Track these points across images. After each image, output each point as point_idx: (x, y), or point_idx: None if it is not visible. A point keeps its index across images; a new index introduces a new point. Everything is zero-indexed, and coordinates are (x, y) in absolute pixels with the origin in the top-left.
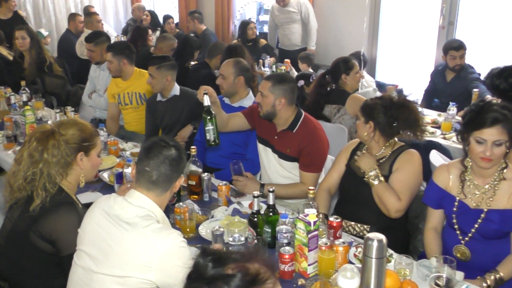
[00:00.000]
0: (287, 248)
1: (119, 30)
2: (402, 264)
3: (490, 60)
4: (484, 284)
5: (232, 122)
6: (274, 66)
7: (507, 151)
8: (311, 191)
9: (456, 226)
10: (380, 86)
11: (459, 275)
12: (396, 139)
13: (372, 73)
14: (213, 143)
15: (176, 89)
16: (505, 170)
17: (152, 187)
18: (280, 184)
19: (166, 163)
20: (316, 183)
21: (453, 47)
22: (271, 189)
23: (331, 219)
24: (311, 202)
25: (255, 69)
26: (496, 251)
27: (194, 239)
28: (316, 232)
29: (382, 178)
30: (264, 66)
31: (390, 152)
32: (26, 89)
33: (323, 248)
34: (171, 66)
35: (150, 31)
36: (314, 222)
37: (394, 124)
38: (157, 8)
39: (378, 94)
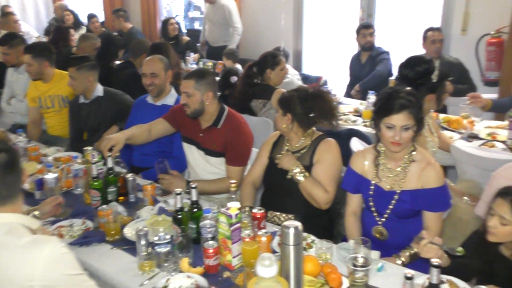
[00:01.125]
0: (210, 242)
1: (41, 30)
2: (323, 249)
3: (408, 50)
4: (399, 261)
5: (155, 131)
6: (201, 63)
7: (415, 135)
8: (233, 185)
9: (373, 209)
10: (306, 78)
11: (375, 254)
12: (314, 129)
13: (298, 66)
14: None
15: (99, 90)
16: (414, 153)
17: (1, 201)
18: (207, 180)
19: (0, 171)
20: (242, 176)
21: (363, 26)
22: (193, 185)
23: (254, 210)
24: (233, 196)
25: (181, 67)
26: (410, 229)
27: (119, 241)
28: (238, 225)
29: (307, 174)
30: (190, 63)
31: (310, 142)
32: None
33: (246, 239)
34: (92, 66)
35: (72, 31)
36: (236, 215)
37: (311, 115)
38: (82, 7)
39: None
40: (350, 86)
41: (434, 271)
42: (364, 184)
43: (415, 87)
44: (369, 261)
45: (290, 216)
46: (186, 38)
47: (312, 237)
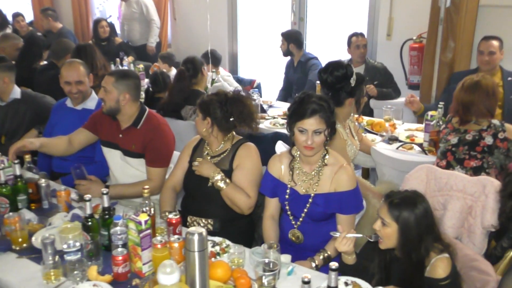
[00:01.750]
0: (119, 249)
1: None
2: (235, 254)
3: (336, 55)
4: (313, 264)
5: (77, 141)
6: (132, 65)
7: (326, 139)
8: (145, 191)
9: (289, 212)
10: (240, 81)
11: (286, 257)
12: (234, 133)
13: (234, 69)
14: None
15: (16, 92)
16: (327, 157)
17: None
18: (125, 184)
19: None
20: (163, 178)
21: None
22: (105, 191)
23: (170, 216)
24: (146, 201)
25: (108, 68)
26: (325, 232)
27: (26, 250)
28: (148, 231)
29: (228, 180)
30: (122, 65)
31: (229, 147)
32: None
33: (158, 246)
34: (8, 68)
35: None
36: (145, 221)
37: (231, 119)
38: (9, 5)
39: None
40: (284, 90)
41: (333, 274)
42: (280, 188)
43: (334, 92)
44: (276, 265)
45: (209, 220)
46: (119, 39)
47: (228, 242)
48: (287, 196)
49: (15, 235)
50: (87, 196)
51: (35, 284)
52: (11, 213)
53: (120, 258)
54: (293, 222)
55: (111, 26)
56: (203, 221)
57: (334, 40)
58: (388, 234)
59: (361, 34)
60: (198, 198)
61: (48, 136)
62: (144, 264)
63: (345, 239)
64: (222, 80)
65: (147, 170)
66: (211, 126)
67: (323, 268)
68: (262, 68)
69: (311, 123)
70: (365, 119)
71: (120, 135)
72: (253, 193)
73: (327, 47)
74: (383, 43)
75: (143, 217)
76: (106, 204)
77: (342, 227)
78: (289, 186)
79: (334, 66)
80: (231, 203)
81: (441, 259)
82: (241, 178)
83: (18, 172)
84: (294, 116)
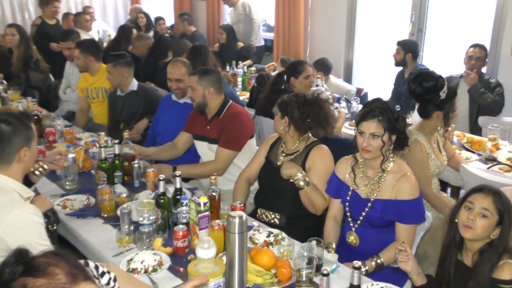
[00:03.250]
0: (180, 226)
1: (116, 27)
2: (285, 246)
3: (456, 66)
4: (363, 268)
5: (182, 144)
6: (245, 67)
7: (384, 144)
8: (213, 177)
9: (348, 214)
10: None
11: (333, 256)
12: (310, 134)
13: (348, 77)
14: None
15: (133, 85)
16: (391, 164)
17: None
18: (193, 164)
19: None
20: (230, 162)
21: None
22: (177, 174)
23: (234, 204)
24: (213, 187)
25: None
26: (382, 240)
27: (111, 218)
28: (206, 213)
29: (308, 179)
30: (237, 68)
31: (303, 147)
32: (4, 81)
33: (216, 227)
34: (127, 63)
35: (134, 31)
36: (204, 204)
37: (307, 120)
38: (155, 10)
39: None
40: (391, 101)
41: (355, 273)
42: (344, 189)
43: (422, 103)
44: (314, 260)
45: (276, 215)
46: (240, 43)
47: (284, 235)
48: (348, 198)
49: (104, 204)
50: (161, 176)
51: (110, 246)
52: (104, 185)
53: (180, 234)
54: (351, 225)
55: (227, 30)
56: (271, 214)
57: (453, 53)
58: (484, 225)
59: (481, 46)
60: (269, 192)
61: (154, 125)
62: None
63: (404, 253)
64: (326, 86)
65: (217, 150)
66: (288, 125)
67: (374, 275)
68: (374, 78)
69: (369, 126)
70: (466, 136)
71: (208, 127)
72: (327, 195)
73: (444, 60)
74: (506, 59)
75: (202, 200)
76: (178, 186)
77: (399, 239)
78: (351, 188)
79: (424, 76)
80: (308, 203)
81: (511, 263)
82: (315, 180)
83: (117, 151)
84: (357, 119)
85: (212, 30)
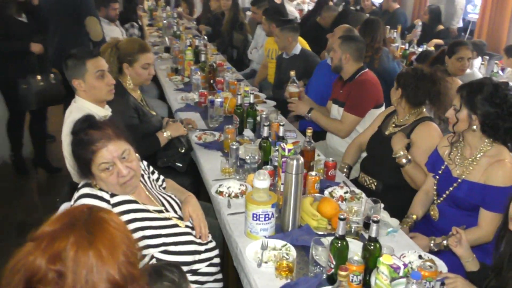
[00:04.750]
0: (268, 166)
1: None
2: (353, 204)
3: None
4: (431, 242)
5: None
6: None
7: (457, 120)
8: (309, 131)
9: (435, 187)
10: None
11: (394, 221)
12: (424, 110)
13: None
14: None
15: (297, 49)
16: (489, 148)
17: None
18: (326, 116)
19: None
20: (353, 127)
21: None
22: (308, 116)
23: (328, 159)
24: (307, 140)
25: (387, 44)
26: (464, 222)
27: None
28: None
29: (410, 157)
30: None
31: (412, 121)
32: (205, 37)
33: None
34: (293, 29)
35: (330, 3)
36: (289, 150)
37: (419, 94)
38: None
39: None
40: None
41: (374, 226)
42: (439, 163)
43: None
44: (362, 215)
45: (374, 180)
46: (441, 26)
47: (363, 196)
48: (440, 172)
49: (227, 142)
50: (266, 122)
51: (215, 173)
52: (230, 126)
53: (266, 172)
54: (435, 198)
55: (432, 12)
56: (370, 179)
57: None
58: None
59: None
60: (373, 159)
61: (307, 89)
62: (282, 184)
63: (454, 238)
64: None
65: (342, 114)
66: (400, 97)
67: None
68: None
69: (455, 101)
70: None
71: (341, 91)
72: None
73: None
74: None
75: (288, 146)
76: (280, 134)
77: (480, 225)
78: (445, 163)
79: None
80: (409, 179)
81: None
82: (417, 155)
83: (252, 101)
84: None
85: (418, 9)
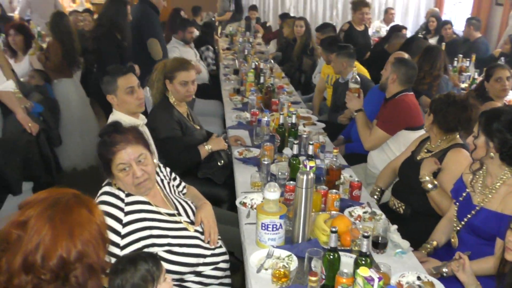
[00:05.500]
0: (292, 182)
1: (414, 29)
2: (368, 223)
3: None
4: (444, 269)
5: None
6: None
7: (475, 147)
8: (335, 151)
9: (455, 214)
10: None
11: (405, 243)
12: (458, 136)
13: None
14: None
15: (350, 75)
16: (509, 176)
17: None
18: (364, 122)
19: None
20: (380, 142)
21: None
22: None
23: (353, 180)
24: (334, 159)
25: (448, 71)
26: (484, 251)
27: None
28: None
29: (436, 182)
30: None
31: (444, 147)
32: (272, 61)
33: (321, 191)
34: (348, 55)
35: (404, 31)
36: (311, 167)
37: (449, 120)
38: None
39: None
40: None
41: (365, 241)
42: (461, 190)
43: None
44: (381, 239)
45: (402, 204)
46: None
47: (383, 218)
48: (461, 199)
49: (262, 156)
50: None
51: (245, 186)
52: (269, 143)
53: (289, 188)
54: (455, 225)
55: None
56: (399, 203)
57: None
58: None
59: None
60: (404, 183)
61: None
62: None
63: (456, 262)
64: None
65: (373, 126)
66: (432, 122)
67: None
68: None
69: (475, 128)
70: None
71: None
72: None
73: None
74: None
75: (310, 163)
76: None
77: (496, 255)
78: (467, 190)
79: None
80: (434, 205)
81: None
82: (444, 181)
83: (294, 121)
84: None
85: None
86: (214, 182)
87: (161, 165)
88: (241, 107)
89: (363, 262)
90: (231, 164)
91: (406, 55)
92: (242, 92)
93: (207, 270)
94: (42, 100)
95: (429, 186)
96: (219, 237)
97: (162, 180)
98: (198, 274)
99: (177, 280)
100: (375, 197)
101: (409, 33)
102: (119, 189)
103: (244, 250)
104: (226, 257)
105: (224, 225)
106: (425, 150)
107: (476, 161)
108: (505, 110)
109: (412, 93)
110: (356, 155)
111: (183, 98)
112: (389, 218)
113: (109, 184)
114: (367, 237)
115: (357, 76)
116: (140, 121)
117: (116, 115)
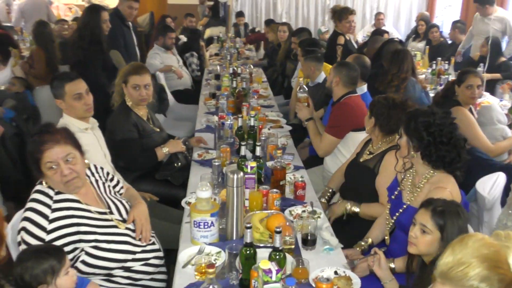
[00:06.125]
0: None
1: (406, 33)
2: (305, 221)
3: None
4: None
5: None
6: None
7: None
8: (279, 151)
9: (387, 211)
10: None
11: (334, 241)
12: (397, 137)
13: None
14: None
15: (320, 78)
16: (433, 175)
17: None
18: (316, 130)
19: None
20: (331, 147)
21: None
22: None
23: (298, 180)
24: (281, 160)
25: (415, 74)
26: None
27: None
28: (252, 176)
29: (357, 203)
30: None
31: (384, 148)
32: (251, 66)
33: (262, 191)
34: (315, 59)
35: (386, 35)
36: (251, 167)
37: (390, 122)
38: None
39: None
40: None
41: (277, 236)
42: (394, 188)
43: None
44: (294, 232)
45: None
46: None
47: (322, 216)
48: (393, 197)
49: (218, 158)
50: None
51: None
52: (224, 145)
53: (208, 183)
54: (387, 223)
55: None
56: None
57: None
58: (426, 241)
59: None
60: (348, 185)
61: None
62: (246, 199)
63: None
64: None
65: (323, 133)
66: (374, 125)
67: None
68: None
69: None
70: None
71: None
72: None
73: None
74: None
75: (251, 164)
76: (258, 153)
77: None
78: (399, 189)
79: None
80: (370, 217)
81: None
82: (383, 184)
83: (252, 123)
84: None
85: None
86: (173, 184)
87: (98, 167)
88: (214, 111)
89: (277, 256)
90: (187, 165)
91: (357, 56)
92: (217, 97)
93: (136, 265)
94: (18, 106)
95: (356, 209)
96: (153, 234)
97: (97, 181)
98: (127, 269)
99: (105, 275)
100: (326, 197)
101: (403, 37)
102: (49, 187)
103: (179, 247)
104: (160, 253)
105: (176, 224)
106: (368, 152)
107: (408, 160)
108: (424, 111)
109: (357, 94)
110: (318, 158)
111: (137, 102)
112: (337, 218)
113: (41, 182)
114: (279, 232)
115: (305, 86)
116: (89, 125)
117: (66, 119)
